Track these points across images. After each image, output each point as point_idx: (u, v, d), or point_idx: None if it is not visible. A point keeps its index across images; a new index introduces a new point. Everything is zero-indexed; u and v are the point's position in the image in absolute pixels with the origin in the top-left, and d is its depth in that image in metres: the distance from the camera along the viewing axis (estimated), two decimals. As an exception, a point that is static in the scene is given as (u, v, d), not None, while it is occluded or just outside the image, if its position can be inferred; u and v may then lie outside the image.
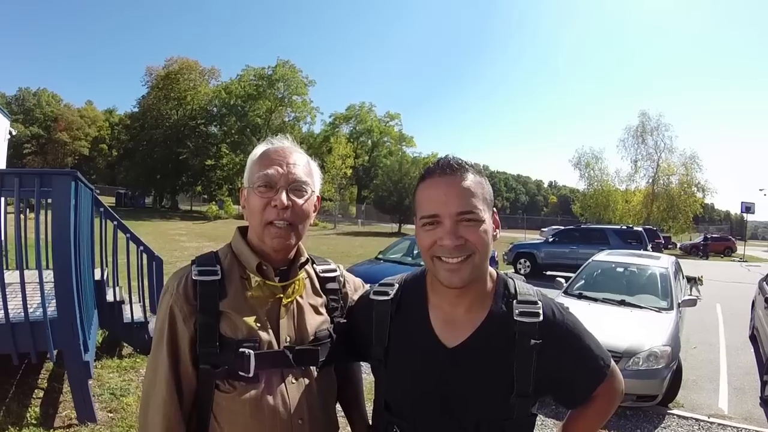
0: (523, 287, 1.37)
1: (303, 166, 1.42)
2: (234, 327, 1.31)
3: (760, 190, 59.81)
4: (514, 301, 1.31)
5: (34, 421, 4.17)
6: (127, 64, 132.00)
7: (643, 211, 40.76)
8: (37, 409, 4.38)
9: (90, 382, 4.28)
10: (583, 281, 7.90)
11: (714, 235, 42.41)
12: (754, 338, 9.04)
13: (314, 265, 1.55)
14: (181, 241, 23.15)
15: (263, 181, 1.35)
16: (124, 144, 61.46)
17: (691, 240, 42.32)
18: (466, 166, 1.27)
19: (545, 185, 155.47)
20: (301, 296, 1.44)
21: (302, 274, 1.47)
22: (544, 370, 1.28)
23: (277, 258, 1.41)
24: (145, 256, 6.09)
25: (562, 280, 8.10)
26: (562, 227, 25.24)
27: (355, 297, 1.59)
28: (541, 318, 1.29)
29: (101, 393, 4.74)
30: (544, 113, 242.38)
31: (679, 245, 40.79)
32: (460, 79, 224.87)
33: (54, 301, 4.09)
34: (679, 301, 6.73)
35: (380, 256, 11.78)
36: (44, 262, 4.95)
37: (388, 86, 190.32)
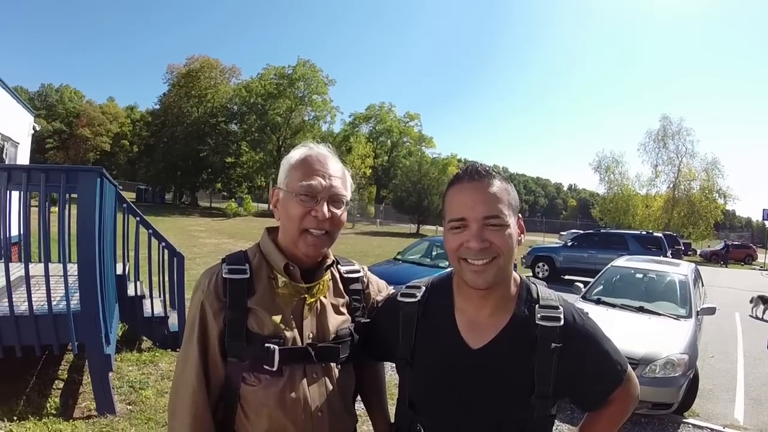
0: (545, 292, 1.41)
1: (341, 177, 1.46)
2: (260, 323, 1.37)
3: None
4: (537, 306, 1.36)
5: (53, 412, 4.24)
6: (148, 62, 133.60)
7: (663, 216, 40.23)
8: (57, 400, 4.45)
9: (110, 374, 4.36)
10: (601, 287, 7.85)
11: (734, 243, 41.71)
12: (773, 349, 8.93)
13: (339, 266, 1.59)
14: (200, 238, 23.40)
15: (306, 190, 1.39)
16: (145, 140, 62.23)
17: (710, 247, 41.74)
18: (493, 173, 1.32)
19: (565, 188, 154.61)
20: (324, 296, 1.49)
21: (327, 276, 1.51)
22: (564, 372, 1.31)
23: (307, 260, 1.46)
24: (166, 251, 6.17)
25: (581, 285, 8.05)
26: (582, 231, 25.03)
27: (379, 298, 1.63)
28: (562, 322, 1.33)
29: (120, 385, 4.81)
30: (564, 115, 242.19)
31: (699, 252, 40.27)
32: (480, 80, 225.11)
33: (77, 294, 4.17)
34: (698, 309, 6.66)
35: (399, 257, 11.81)
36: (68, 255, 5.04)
37: (407, 87, 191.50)
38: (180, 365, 1.41)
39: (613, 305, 6.94)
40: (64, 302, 4.10)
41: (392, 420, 1.61)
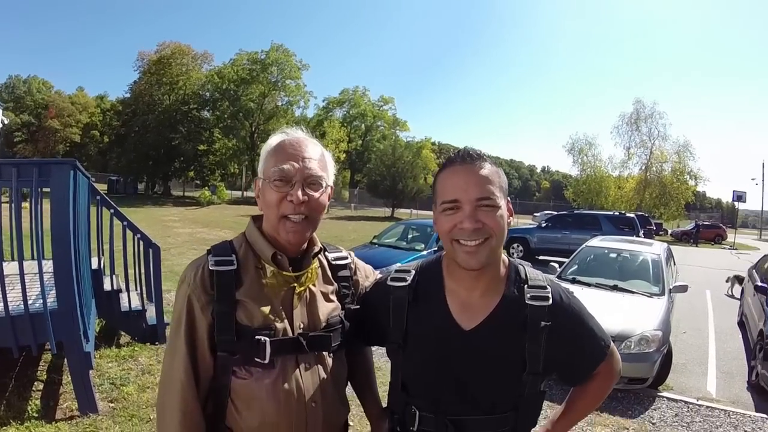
0: (533, 272, 1.45)
1: (318, 159, 1.44)
2: (250, 315, 1.35)
3: (752, 179, 60.77)
4: (526, 286, 1.39)
5: (35, 415, 4.12)
6: (118, 50, 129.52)
7: (635, 197, 40.84)
8: (38, 402, 4.32)
9: (90, 372, 4.28)
10: (576, 266, 8.00)
11: (705, 223, 42.55)
12: (742, 324, 9.18)
13: (326, 253, 1.58)
14: (174, 227, 23.03)
15: (279, 175, 1.37)
16: (115, 130, 60.69)
17: (680, 227, 42.57)
18: (484, 157, 1.35)
19: (538, 170, 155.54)
20: (313, 284, 1.48)
21: (315, 263, 1.51)
22: (552, 350, 1.36)
23: (292, 248, 1.44)
24: (141, 243, 6.05)
25: (556, 265, 8.17)
26: (555, 212, 25.27)
27: (367, 284, 1.63)
28: (550, 302, 1.37)
29: (101, 383, 4.71)
30: (538, 99, 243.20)
31: (670, 232, 41.00)
32: (454, 63, 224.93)
33: (53, 291, 4.07)
34: (671, 287, 6.82)
35: (375, 241, 11.88)
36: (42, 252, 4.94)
37: (382, 71, 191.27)
38: (167, 361, 1.39)
39: (588, 284, 7.08)
40: (41, 301, 3.98)
41: (383, 404, 1.64)
